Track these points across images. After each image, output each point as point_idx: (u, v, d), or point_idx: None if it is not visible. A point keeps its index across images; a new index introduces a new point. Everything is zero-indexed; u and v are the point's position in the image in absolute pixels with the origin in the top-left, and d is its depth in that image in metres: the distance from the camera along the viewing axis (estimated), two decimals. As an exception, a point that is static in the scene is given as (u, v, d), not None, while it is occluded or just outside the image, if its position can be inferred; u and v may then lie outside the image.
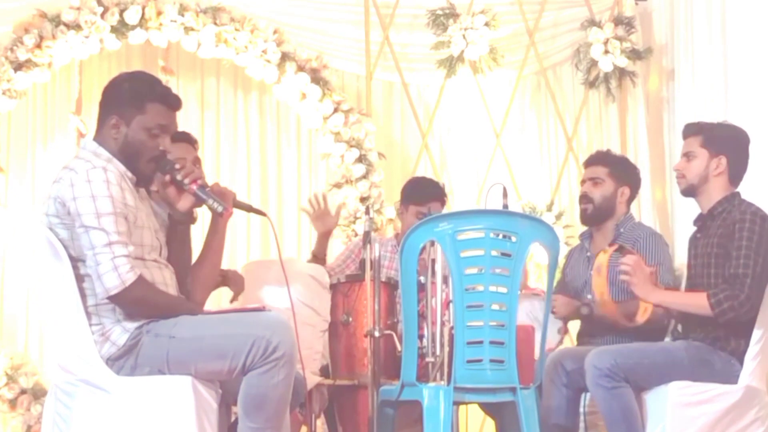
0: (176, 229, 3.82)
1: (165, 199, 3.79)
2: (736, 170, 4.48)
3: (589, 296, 4.84)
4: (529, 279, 4.94)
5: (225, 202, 3.78)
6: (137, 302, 3.50)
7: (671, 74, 6.81)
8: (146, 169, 3.67)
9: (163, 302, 3.58)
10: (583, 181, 5.10)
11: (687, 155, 4.49)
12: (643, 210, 6.56)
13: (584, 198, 5.01)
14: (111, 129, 3.65)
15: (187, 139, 4.27)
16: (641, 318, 4.48)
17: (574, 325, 5.22)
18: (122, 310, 3.51)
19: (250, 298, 4.34)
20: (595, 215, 4.98)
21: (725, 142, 4.47)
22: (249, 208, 4.00)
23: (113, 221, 3.47)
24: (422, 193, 5.47)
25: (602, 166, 5.04)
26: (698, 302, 4.28)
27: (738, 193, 4.47)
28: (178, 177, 3.69)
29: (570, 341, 5.77)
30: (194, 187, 3.70)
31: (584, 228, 5.19)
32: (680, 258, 4.86)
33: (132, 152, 3.64)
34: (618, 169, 5.05)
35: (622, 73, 6.84)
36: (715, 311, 4.21)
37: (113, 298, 3.46)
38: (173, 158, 3.77)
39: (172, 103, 3.73)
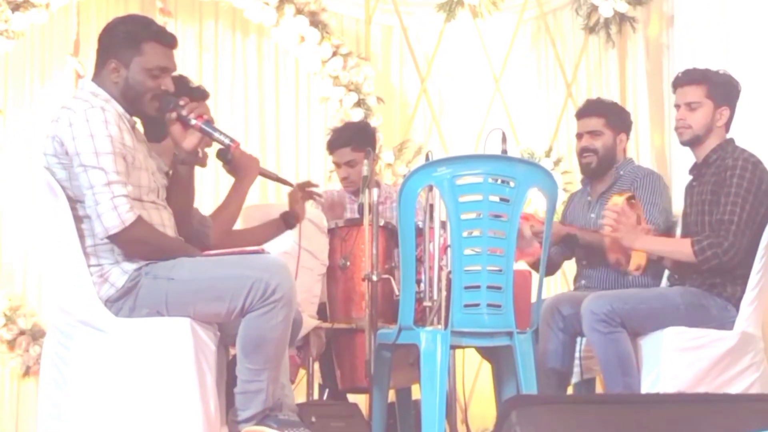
0: (180, 171, 3.82)
1: (171, 139, 3.79)
2: (732, 119, 4.48)
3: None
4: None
5: (250, 170, 3.83)
6: (136, 242, 3.51)
7: (671, 20, 6.77)
8: (149, 109, 3.67)
9: (161, 243, 3.58)
10: (579, 135, 5.04)
11: (690, 105, 4.45)
12: (642, 156, 6.55)
13: (586, 151, 4.96)
14: (111, 73, 3.64)
15: (204, 97, 4.22)
16: (634, 271, 4.44)
17: (571, 271, 5.24)
18: (121, 250, 3.52)
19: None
20: (598, 168, 4.94)
21: (728, 93, 4.46)
22: (276, 178, 4.07)
23: (112, 160, 3.47)
24: (328, 146, 5.53)
25: (598, 117, 4.98)
26: (682, 249, 4.30)
27: (732, 140, 4.46)
28: (183, 113, 3.70)
29: (566, 286, 5.80)
30: (200, 122, 3.71)
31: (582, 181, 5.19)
32: (677, 205, 4.86)
33: (134, 94, 3.64)
34: (614, 118, 5.01)
35: (622, 18, 6.80)
36: (698, 258, 4.23)
37: (112, 238, 3.47)
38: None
39: (168, 41, 3.73)
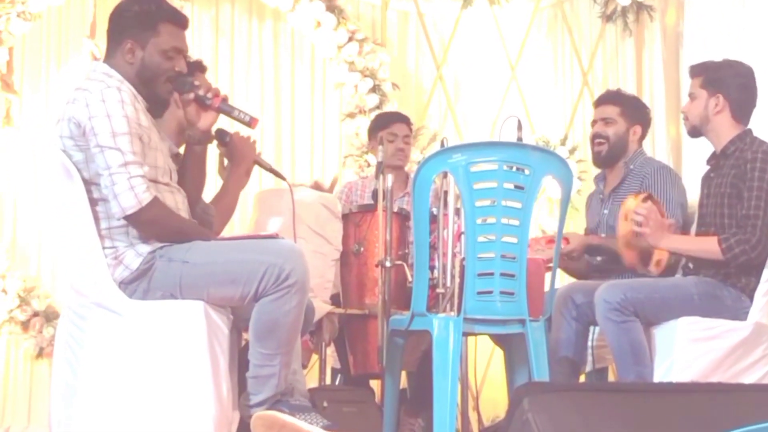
0: (194, 151, 3.83)
1: (186, 119, 3.79)
2: (739, 106, 4.43)
3: (603, 234, 4.84)
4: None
5: (247, 155, 3.85)
6: (152, 223, 3.51)
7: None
8: (163, 90, 3.67)
9: (177, 225, 3.58)
10: (594, 122, 5.05)
11: (690, 96, 4.48)
12: (657, 147, 6.54)
13: (597, 137, 4.96)
14: (126, 54, 3.64)
15: (203, 70, 4.24)
16: (654, 269, 4.43)
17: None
18: (137, 230, 3.52)
19: (263, 226, 4.36)
20: (609, 156, 4.93)
21: (723, 80, 4.42)
22: (270, 169, 4.08)
23: (128, 141, 3.46)
24: (384, 118, 5.64)
25: (613, 106, 4.98)
26: (709, 248, 4.27)
27: (750, 131, 4.44)
28: (200, 93, 3.70)
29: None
30: (217, 102, 3.71)
31: (598, 171, 5.17)
32: (693, 196, 4.84)
33: (149, 75, 3.64)
34: (629, 109, 5.00)
35: (639, 7, 6.79)
36: (726, 256, 4.21)
37: (129, 218, 3.47)
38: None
39: (182, 21, 3.74)
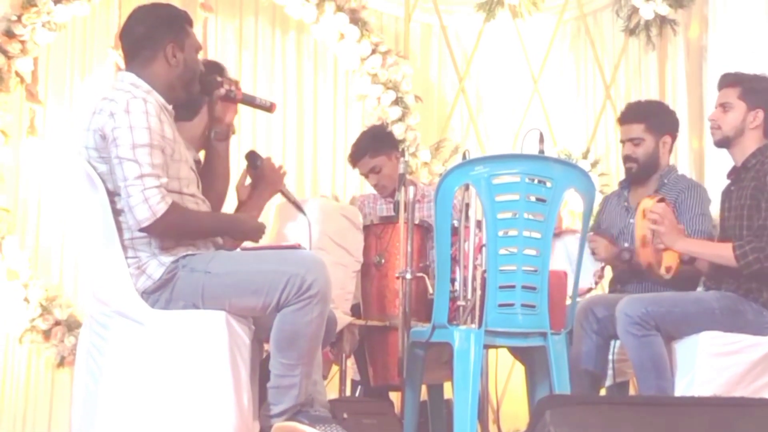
0: (219, 148, 3.87)
1: (214, 117, 3.84)
2: None
3: (626, 243, 4.82)
4: (563, 224, 4.90)
5: (274, 183, 4.00)
6: (170, 231, 3.51)
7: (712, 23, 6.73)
8: (195, 90, 3.74)
9: (195, 226, 3.61)
10: (622, 141, 5.01)
11: (723, 106, 4.45)
12: (680, 159, 6.51)
13: (627, 159, 4.93)
14: (171, 57, 3.64)
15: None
16: (664, 273, 4.41)
17: (608, 271, 5.21)
18: (158, 241, 3.53)
19: (284, 237, 4.36)
20: (640, 174, 4.91)
21: (763, 95, 4.43)
22: (294, 201, 4.13)
23: (148, 153, 3.46)
24: (349, 160, 5.60)
25: (638, 123, 4.92)
26: (724, 253, 4.27)
27: (770, 143, 4.45)
28: (226, 87, 3.81)
29: (602, 288, 5.77)
30: (240, 93, 3.85)
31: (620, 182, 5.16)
32: (715, 209, 4.83)
33: (190, 76, 3.70)
34: (655, 122, 4.95)
35: (662, 21, 6.77)
36: (740, 263, 4.20)
37: (146, 230, 3.47)
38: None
39: (192, 21, 3.81)
